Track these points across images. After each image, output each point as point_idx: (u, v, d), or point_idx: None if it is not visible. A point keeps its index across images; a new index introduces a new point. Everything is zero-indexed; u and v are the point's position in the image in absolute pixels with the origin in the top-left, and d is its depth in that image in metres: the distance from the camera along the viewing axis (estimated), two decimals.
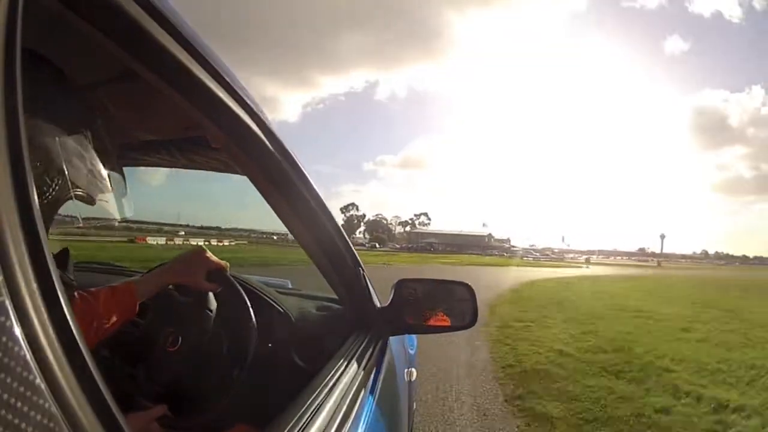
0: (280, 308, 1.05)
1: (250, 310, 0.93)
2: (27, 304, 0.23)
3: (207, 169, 1.12)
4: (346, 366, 0.78)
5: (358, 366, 0.82)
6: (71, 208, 0.70)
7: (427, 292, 1.09)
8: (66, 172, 0.62)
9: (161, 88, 0.46)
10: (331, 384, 0.69)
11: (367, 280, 1.02)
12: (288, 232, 0.86)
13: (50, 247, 0.26)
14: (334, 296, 1.08)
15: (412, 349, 1.68)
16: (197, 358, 0.90)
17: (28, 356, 0.22)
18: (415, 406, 1.75)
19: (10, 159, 0.23)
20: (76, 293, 0.71)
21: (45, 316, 0.24)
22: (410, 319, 1.04)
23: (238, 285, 0.94)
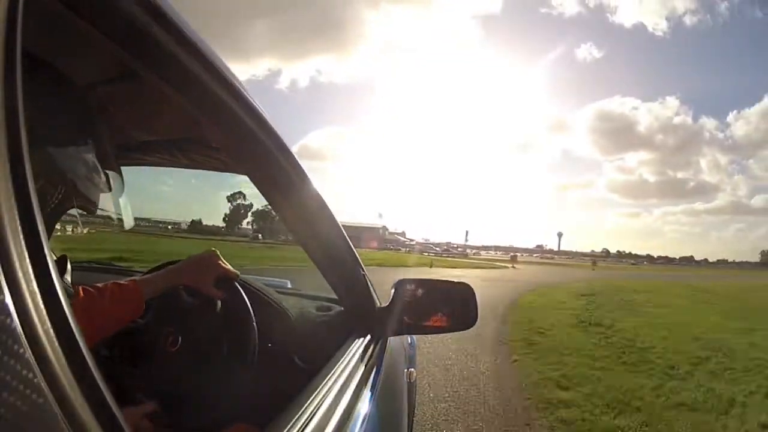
0: (280, 308, 1.05)
1: (251, 309, 0.93)
2: (27, 303, 0.23)
3: (207, 169, 1.12)
4: (346, 366, 0.78)
5: (358, 366, 0.82)
6: (72, 221, 0.71)
7: (428, 293, 1.09)
8: (66, 172, 0.62)
9: (161, 88, 0.46)
10: (331, 384, 0.69)
11: (368, 280, 1.02)
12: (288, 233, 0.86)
13: (50, 246, 0.26)
14: (334, 296, 1.08)
15: (412, 350, 1.68)
16: (197, 358, 0.90)
17: (28, 356, 0.22)
18: (415, 406, 1.75)
19: (10, 159, 0.23)
20: (80, 288, 0.69)
21: (45, 315, 0.24)
22: (410, 319, 1.04)
23: (243, 293, 0.94)
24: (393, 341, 1.13)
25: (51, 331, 0.24)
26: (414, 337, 1.72)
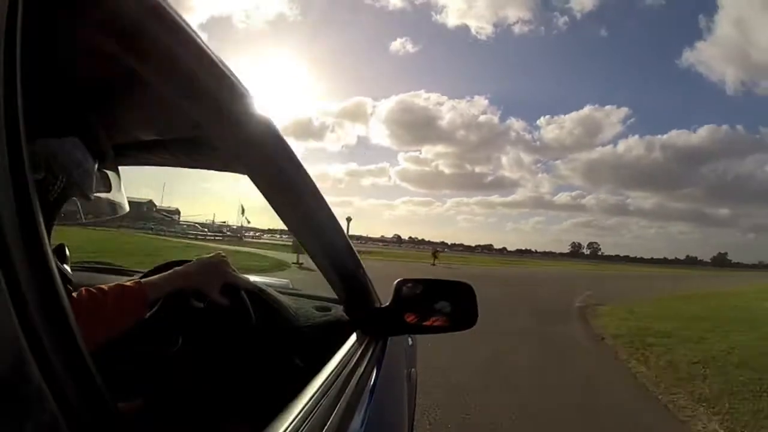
0: (279, 308, 1.05)
1: (250, 309, 0.93)
2: (27, 303, 0.23)
3: (207, 169, 1.12)
4: (346, 366, 0.78)
5: (358, 366, 0.82)
6: (70, 206, 0.71)
7: (428, 292, 1.09)
8: (65, 172, 0.62)
9: (161, 88, 0.46)
10: (331, 384, 0.69)
11: (368, 280, 1.02)
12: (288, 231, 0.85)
13: (50, 245, 0.26)
14: (334, 296, 1.08)
15: (412, 350, 1.68)
16: (198, 359, 0.90)
17: (28, 355, 0.22)
18: (415, 406, 1.75)
19: (10, 159, 0.23)
20: (83, 290, 0.68)
21: (45, 315, 0.24)
22: (410, 319, 1.04)
23: (248, 302, 0.94)
24: (393, 341, 1.13)
25: (51, 331, 0.24)
26: (414, 337, 1.72)
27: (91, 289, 0.69)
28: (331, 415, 0.61)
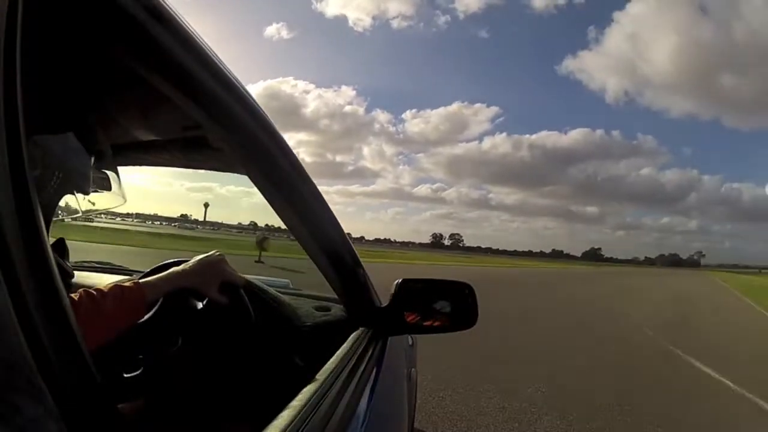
0: (279, 308, 1.05)
1: (250, 309, 0.93)
2: (27, 303, 0.23)
3: (207, 169, 1.12)
4: (346, 366, 0.78)
5: (358, 366, 0.82)
6: (70, 205, 0.72)
7: (428, 292, 1.09)
8: (65, 172, 0.62)
9: (161, 88, 0.46)
10: (331, 384, 0.69)
11: (368, 280, 1.02)
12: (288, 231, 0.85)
13: (50, 244, 0.26)
14: (334, 296, 1.08)
15: (412, 349, 1.68)
16: (198, 358, 0.90)
17: (28, 355, 0.22)
18: (415, 406, 1.75)
19: (10, 159, 0.23)
20: (82, 291, 0.68)
21: (45, 315, 0.24)
22: (410, 318, 1.04)
23: (247, 300, 0.94)
24: (393, 341, 1.13)
25: (51, 330, 0.24)
26: (414, 336, 1.72)
27: (89, 290, 0.69)
28: (332, 414, 0.61)
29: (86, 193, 0.70)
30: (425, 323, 1.06)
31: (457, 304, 1.07)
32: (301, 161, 0.71)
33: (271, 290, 1.09)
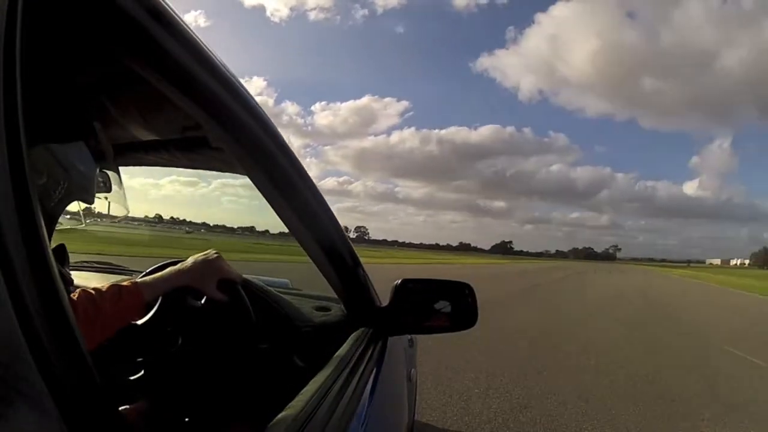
0: (279, 308, 1.05)
1: (250, 309, 0.93)
2: (28, 305, 0.23)
3: (207, 169, 1.12)
4: (346, 366, 0.78)
5: (358, 366, 0.82)
6: (70, 206, 0.71)
7: (427, 292, 1.09)
8: (65, 172, 0.62)
9: (161, 88, 0.46)
10: (331, 384, 0.69)
11: (368, 280, 1.02)
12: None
13: (50, 246, 0.26)
14: (334, 296, 1.08)
15: (412, 349, 1.68)
16: (198, 359, 0.90)
17: (29, 357, 0.22)
18: (415, 406, 1.75)
19: (10, 159, 0.23)
20: (80, 291, 0.69)
21: (45, 315, 0.24)
22: (410, 319, 1.04)
23: (245, 296, 0.94)
24: (393, 341, 1.13)
25: (51, 331, 0.24)
26: (414, 337, 1.72)
27: (87, 290, 0.69)
28: (332, 414, 0.61)
29: (90, 203, 0.70)
30: (425, 323, 1.06)
31: (457, 304, 1.07)
32: (301, 161, 0.71)
33: (271, 290, 1.09)
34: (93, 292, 0.69)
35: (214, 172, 1.13)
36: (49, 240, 0.60)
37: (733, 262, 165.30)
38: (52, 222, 0.67)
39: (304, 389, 0.65)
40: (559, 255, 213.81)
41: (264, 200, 0.72)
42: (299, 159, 0.70)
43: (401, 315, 1.03)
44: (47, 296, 0.24)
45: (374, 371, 0.90)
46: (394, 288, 1.03)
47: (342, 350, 0.85)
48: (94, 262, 1.63)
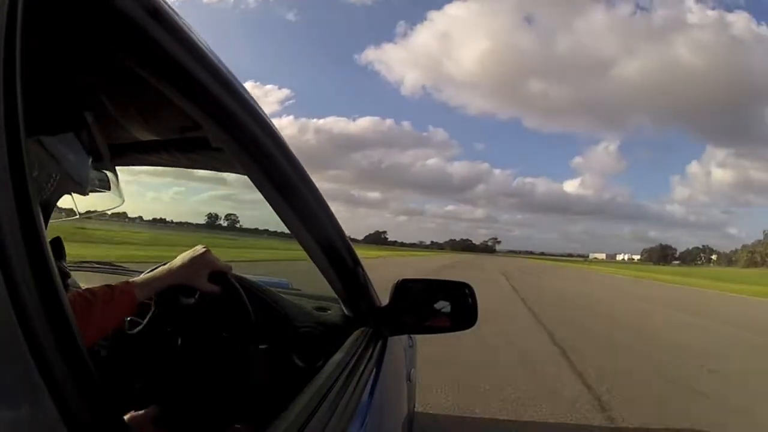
0: (279, 308, 1.05)
1: (250, 310, 0.93)
2: (27, 303, 0.23)
3: (207, 169, 1.12)
4: (346, 366, 0.78)
5: (358, 366, 0.82)
6: (69, 206, 0.71)
7: (427, 292, 1.09)
8: (62, 173, 0.62)
9: (161, 88, 0.46)
10: (330, 384, 0.69)
11: (367, 280, 1.02)
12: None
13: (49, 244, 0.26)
14: (334, 296, 1.08)
15: (412, 350, 1.68)
16: (197, 358, 0.90)
17: (28, 356, 0.22)
18: (415, 406, 1.75)
19: (10, 159, 0.23)
20: (75, 292, 0.70)
21: (44, 315, 0.24)
22: (410, 319, 1.04)
23: (238, 286, 0.94)
24: (393, 341, 1.13)
25: (50, 330, 0.24)
26: (414, 337, 1.72)
27: (80, 291, 0.70)
28: (332, 415, 0.61)
29: (83, 194, 0.70)
30: (425, 323, 1.06)
31: (457, 303, 1.07)
32: (301, 161, 0.71)
33: (271, 290, 1.09)
34: (86, 293, 0.70)
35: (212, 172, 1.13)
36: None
37: (619, 257, 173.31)
38: (46, 215, 0.67)
39: (305, 389, 0.65)
40: (435, 246, 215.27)
41: (264, 200, 0.73)
42: (299, 158, 0.70)
43: (401, 315, 1.03)
44: (47, 296, 0.24)
45: (374, 371, 0.90)
46: (393, 288, 1.03)
47: (342, 350, 0.85)
48: (93, 262, 1.63)
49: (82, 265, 1.49)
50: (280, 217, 0.77)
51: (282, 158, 0.66)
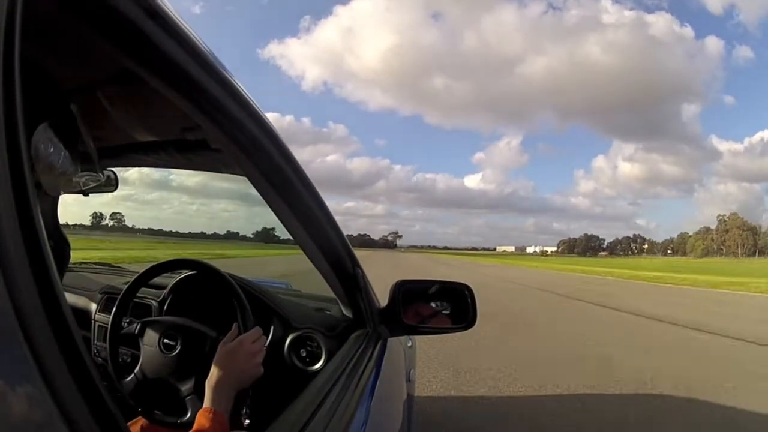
0: (279, 310, 1.05)
1: (249, 311, 0.93)
2: (27, 304, 0.23)
3: (206, 170, 1.12)
4: (346, 367, 0.78)
5: (358, 366, 0.82)
6: (69, 206, 0.71)
7: (427, 293, 1.09)
8: (64, 172, 0.62)
9: (161, 88, 0.46)
10: (330, 385, 0.69)
11: (366, 281, 1.02)
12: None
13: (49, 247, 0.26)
14: (334, 297, 1.08)
15: (411, 350, 1.67)
16: (197, 360, 0.89)
17: (29, 356, 0.22)
18: (414, 406, 1.75)
19: (9, 159, 0.23)
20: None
21: (45, 317, 0.24)
22: (409, 319, 1.04)
23: (238, 287, 0.93)
24: (392, 341, 1.13)
25: (51, 332, 0.24)
26: (414, 337, 1.72)
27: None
28: (332, 415, 0.61)
29: (83, 194, 0.69)
30: (425, 324, 1.06)
31: (457, 304, 1.07)
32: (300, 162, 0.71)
33: (271, 291, 1.09)
34: None
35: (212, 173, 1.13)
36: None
37: (530, 249, 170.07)
38: (45, 215, 0.67)
39: (305, 390, 0.65)
40: None
41: (263, 201, 0.72)
42: (298, 159, 0.70)
43: (401, 315, 1.03)
44: (47, 296, 0.24)
45: (374, 371, 0.90)
46: (393, 289, 1.03)
47: (342, 351, 0.85)
48: (92, 263, 1.63)
49: (81, 267, 1.49)
50: (279, 218, 0.76)
51: (281, 160, 0.66)
